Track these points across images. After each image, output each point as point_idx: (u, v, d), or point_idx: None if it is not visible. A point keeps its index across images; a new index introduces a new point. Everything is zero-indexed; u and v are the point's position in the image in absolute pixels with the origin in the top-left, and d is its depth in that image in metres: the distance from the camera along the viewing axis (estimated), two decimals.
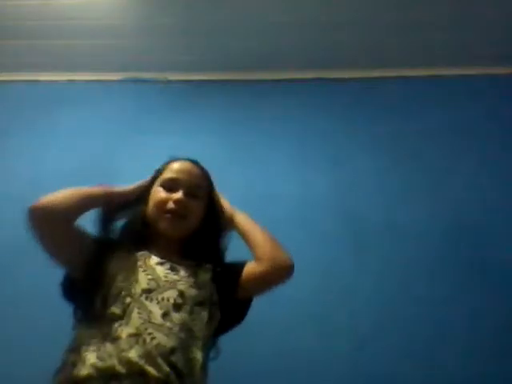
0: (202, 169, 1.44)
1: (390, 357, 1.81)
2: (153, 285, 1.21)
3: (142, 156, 2.37)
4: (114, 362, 1.06)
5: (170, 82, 2.62)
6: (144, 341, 1.10)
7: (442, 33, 2.35)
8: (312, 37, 2.38)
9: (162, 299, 1.20)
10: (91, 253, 1.24)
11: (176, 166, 1.39)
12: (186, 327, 1.17)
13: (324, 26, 2.32)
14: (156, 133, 2.42)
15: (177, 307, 1.20)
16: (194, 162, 1.44)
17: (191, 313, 1.20)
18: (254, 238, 1.37)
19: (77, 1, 2.27)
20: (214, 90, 2.55)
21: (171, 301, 1.20)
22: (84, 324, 1.18)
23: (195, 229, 1.35)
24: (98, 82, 2.63)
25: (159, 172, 1.40)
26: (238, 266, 1.32)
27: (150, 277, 1.22)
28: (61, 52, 2.53)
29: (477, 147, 2.30)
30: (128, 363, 1.06)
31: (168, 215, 1.30)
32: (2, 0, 2.28)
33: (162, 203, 1.31)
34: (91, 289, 1.20)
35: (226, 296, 1.29)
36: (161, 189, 1.35)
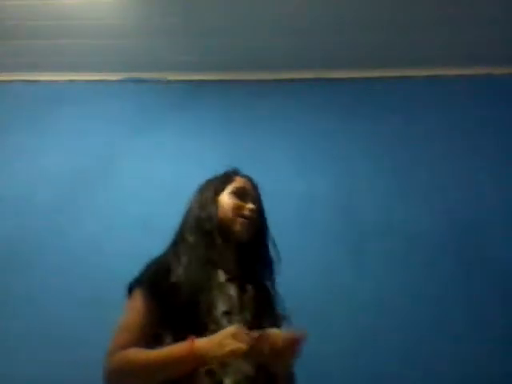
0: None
1: (390, 356, 1.81)
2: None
3: (141, 156, 2.37)
4: None
5: (169, 81, 2.62)
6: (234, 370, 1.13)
7: (441, 33, 2.34)
8: (312, 37, 2.38)
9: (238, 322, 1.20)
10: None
11: (240, 179, 1.44)
12: None
13: (324, 26, 2.32)
14: (156, 133, 2.42)
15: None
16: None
17: None
18: None
19: (77, 1, 2.27)
20: (214, 90, 2.55)
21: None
22: None
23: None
24: (98, 82, 2.63)
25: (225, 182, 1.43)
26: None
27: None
28: (61, 52, 2.52)
29: (477, 147, 2.30)
30: None
31: (244, 220, 1.34)
32: (1, 0, 2.28)
33: (238, 209, 1.35)
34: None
35: None
36: (232, 196, 1.38)
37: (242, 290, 1.28)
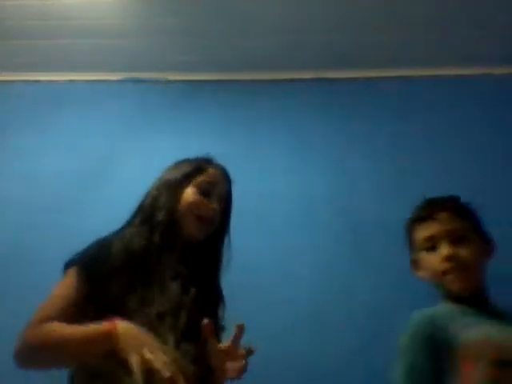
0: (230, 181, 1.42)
1: (390, 356, 1.81)
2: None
3: (141, 156, 2.37)
4: None
5: (169, 81, 2.62)
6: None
7: (441, 33, 2.34)
8: (312, 37, 2.38)
9: (172, 326, 1.14)
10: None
11: (212, 171, 1.36)
12: None
13: (324, 26, 2.32)
14: (156, 133, 2.43)
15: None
16: (225, 170, 1.42)
17: None
18: None
19: (77, 1, 2.27)
20: (214, 90, 2.55)
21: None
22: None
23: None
24: (98, 81, 2.63)
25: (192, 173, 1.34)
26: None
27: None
28: (61, 52, 2.52)
29: (477, 147, 2.30)
30: None
31: (199, 223, 1.27)
32: (1, 0, 2.28)
33: (198, 208, 1.28)
34: None
35: None
36: (197, 191, 1.30)
37: (183, 290, 1.19)
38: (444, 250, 1.21)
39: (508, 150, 2.28)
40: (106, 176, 2.31)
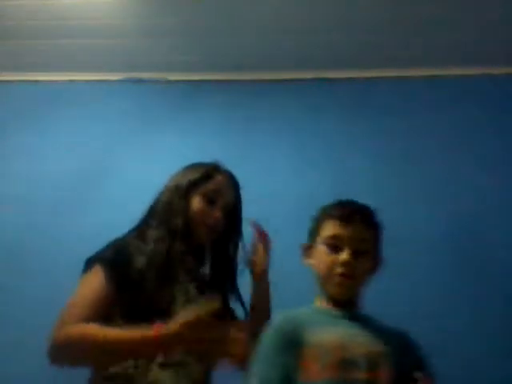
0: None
1: None
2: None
3: (142, 156, 2.37)
4: None
5: (169, 82, 2.62)
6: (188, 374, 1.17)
7: (442, 33, 2.34)
8: (312, 37, 2.38)
9: None
10: None
11: (219, 179, 1.43)
12: None
13: (324, 26, 2.32)
14: (156, 133, 2.43)
15: None
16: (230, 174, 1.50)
17: None
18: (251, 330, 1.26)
19: (77, 1, 2.27)
20: (214, 90, 2.55)
21: None
22: None
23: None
24: (98, 81, 2.63)
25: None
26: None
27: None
28: (61, 52, 2.53)
29: (477, 147, 2.30)
30: None
31: (206, 229, 1.37)
32: (1, 0, 2.28)
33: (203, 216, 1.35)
34: None
35: None
36: (203, 199, 1.37)
37: (200, 292, 1.28)
38: (344, 255, 1.25)
39: (508, 150, 2.28)
40: (106, 176, 2.31)
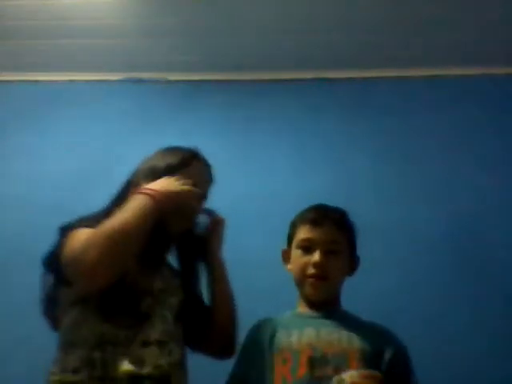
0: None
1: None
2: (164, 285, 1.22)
3: (142, 156, 2.37)
4: (148, 369, 1.06)
5: (169, 82, 2.62)
6: (170, 352, 1.13)
7: (442, 33, 2.34)
8: (312, 37, 2.38)
9: (170, 304, 1.21)
10: None
11: (195, 167, 1.38)
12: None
13: (323, 26, 2.32)
14: (156, 133, 2.42)
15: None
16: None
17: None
18: (222, 313, 1.32)
19: (77, 1, 2.27)
20: (214, 90, 2.55)
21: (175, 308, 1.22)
22: (104, 318, 1.10)
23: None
24: (98, 81, 2.63)
25: None
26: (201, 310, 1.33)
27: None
28: (61, 52, 2.53)
29: (477, 147, 2.30)
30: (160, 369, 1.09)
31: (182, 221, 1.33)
32: (2, 0, 2.28)
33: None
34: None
35: None
36: None
37: (173, 274, 1.29)
38: (316, 256, 1.28)
39: (508, 150, 2.28)
40: (105, 176, 2.30)
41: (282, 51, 2.47)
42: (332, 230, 1.33)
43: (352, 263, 1.39)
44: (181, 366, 1.17)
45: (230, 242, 2.13)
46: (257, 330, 1.32)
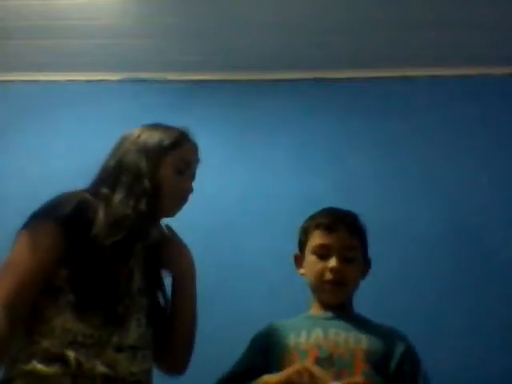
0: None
1: None
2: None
3: None
4: (122, 373, 1.04)
5: (170, 81, 2.62)
6: (143, 359, 1.10)
7: (442, 33, 2.34)
8: (312, 37, 2.38)
9: (143, 306, 1.16)
10: None
11: (187, 147, 1.35)
12: None
13: (324, 26, 2.32)
14: None
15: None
16: None
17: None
18: (182, 327, 1.22)
19: (77, 1, 2.27)
20: (214, 90, 2.55)
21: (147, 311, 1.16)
22: (78, 316, 1.04)
23: None
24: (97, 81, 2.63)
25: None
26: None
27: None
28: (61, 52, 2.52)
29: (476, 147, 2.30)
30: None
31: (178, 201, 1.30)
32: (1, 0, 2.28)
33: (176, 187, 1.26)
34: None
35: None
36: (175, 169, 1.27)
37: (147, 267, 1.20)
38: (333, 262, 1.30)
39: (508, 150, 2.28)
40: None
41: (281, 51, 2.46)
42: (346, 236, 1.35)
43: (365, 268, 1.41)
44: (149, 373, 1.15)
45: (230, 243, 2.14)
46: (264, 331, 1.33)
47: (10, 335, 0.95)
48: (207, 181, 2.28)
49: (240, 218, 2.19)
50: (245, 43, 2.43)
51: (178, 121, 2.46)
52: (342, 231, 1.34)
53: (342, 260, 1.31)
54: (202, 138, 2.40)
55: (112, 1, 2.25)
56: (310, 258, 1.35)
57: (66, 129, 2.47)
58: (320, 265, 1.32)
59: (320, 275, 1.31)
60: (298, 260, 1.42)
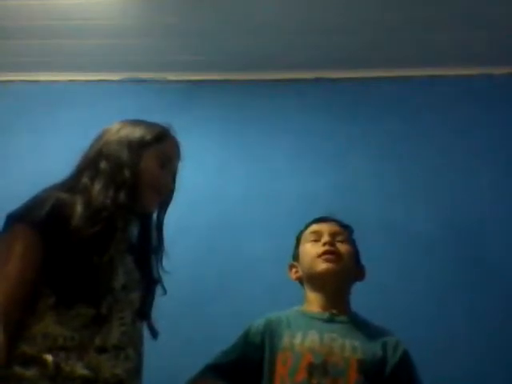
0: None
1: None
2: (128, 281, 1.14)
3: None
4: (104, 376, 1.02)
5: (169, 81, 2.62)
6: (126, 358, 1.08)
7: (442, 33, 2.34)
8: (312, 37, 2.38)
9: (130, 302, 1.14)
10: None
11: (169, 143, 1.34)
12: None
13: (323, 26, 2.32)
14: None
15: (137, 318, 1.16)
16: None
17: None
18: None
19: (77, 1, 2.27)
20: (214, 90, 2.55)
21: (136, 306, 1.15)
22: (57, 318, 1.03)
23: None
24: (97, 81, 2.63)
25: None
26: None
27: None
28: (61, 52, 2.52)
29: (476, 147, 2.30)
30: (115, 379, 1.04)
31: (156, 195, 1.28)
32: (1, 0, 2.28)
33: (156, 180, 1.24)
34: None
35: None
36: (157, 162, 1.25)
37: (136, 263, 1.18)
38: (325, 238, 1.37)
39: (508, 150, 2.28)
40: None
41: (281, 51, 2.47)
42: (335, 225, 1.43)
43: (358, 271, 1.44)
44: (136, 371, 1.12)
45: (230, 243, 2.14)
46: (260, 326, 1.32)
47: (5, 346, 0.96)
48: (207, 181, 2.29)
49: (240, 218, 2.19)
50: (245, 43, 2.43)
51: (177, 121, 2.45)
52: (331, 222, 1.43)
53: (334, 240, 1.37)
54: (202, 138, 2.43)
55: (112, 1, 2.25)
56: (305, 247, 1.40)
57: (65, 129, 2.47)
58: (314, 247, 1.37)
59: (315, 254, 1.35)
60: (291, 268, 1.47)
